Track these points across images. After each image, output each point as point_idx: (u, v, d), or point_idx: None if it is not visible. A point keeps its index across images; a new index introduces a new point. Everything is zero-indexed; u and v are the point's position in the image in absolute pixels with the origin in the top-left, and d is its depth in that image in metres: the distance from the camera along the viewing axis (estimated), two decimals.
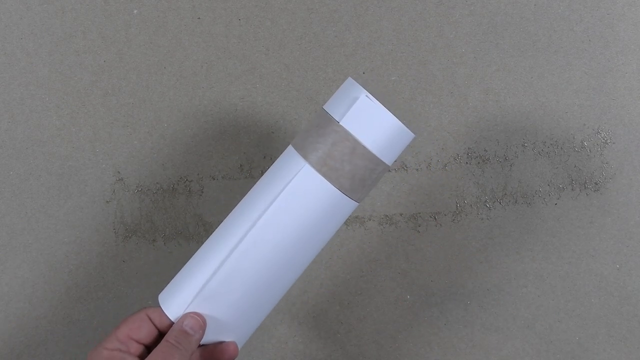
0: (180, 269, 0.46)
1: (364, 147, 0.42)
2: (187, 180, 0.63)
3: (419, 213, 0.63)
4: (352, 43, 0.64)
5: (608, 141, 0.64)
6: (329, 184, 0.43)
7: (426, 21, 0.65)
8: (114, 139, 0.64)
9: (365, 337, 0.63)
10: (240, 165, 0.64)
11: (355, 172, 0.43)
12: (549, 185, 0.64)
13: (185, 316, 0.43)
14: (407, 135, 0.44)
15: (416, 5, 0.65)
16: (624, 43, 0.65)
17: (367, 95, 0.42)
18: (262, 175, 0.46)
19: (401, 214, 0.63)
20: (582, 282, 0.63)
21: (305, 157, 0.43)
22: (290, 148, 0.45)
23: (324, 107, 0.45)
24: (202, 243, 0.62)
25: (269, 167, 0.63)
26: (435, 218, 0.63)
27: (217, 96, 0.64)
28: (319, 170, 0.42)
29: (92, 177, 0.63)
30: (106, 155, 0.64)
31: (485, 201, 0.64)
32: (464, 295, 0.63)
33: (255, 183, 0.46)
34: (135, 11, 0.65)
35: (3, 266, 0.63)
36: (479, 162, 0.64)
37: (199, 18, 0.64)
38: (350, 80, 0.44)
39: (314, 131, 0.43)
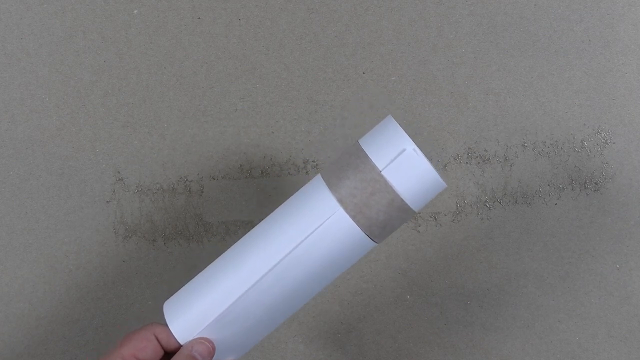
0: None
1: (402, 200, 0.41)
2: (187, 180, 0.63)
3: (419, 213, 0.63)
4: (352, 43, 0.64)
5: (608, 141, 0.64)
6: (360, 230, 0.42)
7: (426, 21, 0.65)
8: (114, 139, 0.64)
9: (365, 337, 0.63)
10: (240, 165, 0.64)
11: (388, 222, 0.42)
12: (549, 185, 0.64)
13: (195, 342, 0.42)
14: (441, 186, 0.43)
15: (416, 5, 0.65)
16: (624, 43, 0.65)
17: (414, 149, 0.41)
18: (287, 199, 0.45)
19: None
20: (582, 282, 0.63)
21: (340, 201, 0.42)
22: (321, 182, 0.43)
23: (360, 142, 0.43)
24: (202, 243, 0.63)
25: (270, 168, 0.64)
26: (435, 218, 0.63)
27: (217, 96, 0.64)
28: (352, 217, 0.42)
29: (92, 177, 0.63)
30: (106, 155, 0.64)
31: (485, 201, 0.64)
32: (464, 295, 0.63)
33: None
34: (135, 11, 0.65)
35: (3, 266, 0.63)
36: (479, 162, 0.64)
37: (199, 18, 0.65)
38: (391, 119, 0.43)
39: (351, 173, 0.42)
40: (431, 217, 0.63)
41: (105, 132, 0.64)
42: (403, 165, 0.41)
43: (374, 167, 0.41)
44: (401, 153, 0.41)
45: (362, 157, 0.42)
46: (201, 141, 0.64)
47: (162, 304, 0.45)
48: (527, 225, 0.63)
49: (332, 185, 0.43)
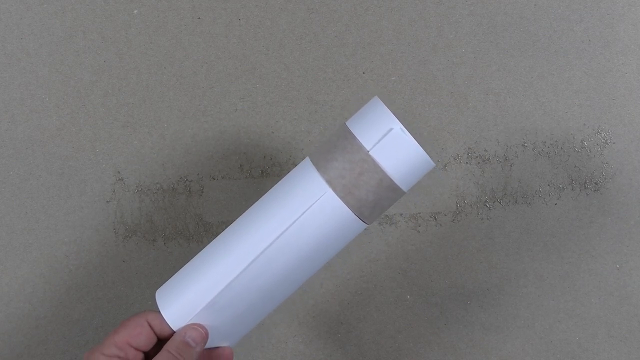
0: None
1: (390, 180, 0.42)
2: (187, 180, 0.64)
3: (419, 213, 0.63)
4: (352, 43, 0.64)
5: (608, 141, 0.64)
6: (350, 211, 0.42)
7: (426, 21, 0.65)
8: (114, 139, 0.64)
9: (365, 337, 0.63)
10: (240, 165, 0.64)
11: (377, 202, 0.42)
12: (549, 185, 0.64)
13: (188, 327, 0.42)
14: (429, 165, 0.43)
15: (416, 5, 0.65)
16: (624, 43, 0.65)
17: (401, 129, 0.41)
18: (276, 184, 0.45)
19: (401, 214, 0.63)
20: (582, 282, 0.63)
21: (329, 182, 0.42)
22: (309, 165, 0.44)
23: (347, 124, 0.43)
24: (202, 243, 0.63)
25: (270, 168, 0.64)
26: (435, 218, 0.63)
27: (217, 96, 0.64)
28: (342, 198, 0.42)
29: (92, 177, 0.63)
30: (106, 155, 0.64)
31: (485, 201, 0.64)
32: (464, 295, 0.63)
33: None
34: (135, 11, 0.65)
35: (3, 266, 0.63)
36: (479, 162, 0.64)
37: (199, 18, 0.65)
38: (378, 101, 0.43)
39: (339, 154, 0.42)
40: (431, 217, 0.63)
41: (105, 132, 0.64)
42: (390, 144, 0.41)
43: (361, 148, 0.42)
44: (388, 133, 0.41)
45: (349, 139, 0.42)
46: (201, 141, 0.64)
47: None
48: (527, 225, 0.63)
49: (320, 167, 0.43)
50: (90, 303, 0.63)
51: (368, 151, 0.41)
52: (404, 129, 0.42)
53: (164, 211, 0.63)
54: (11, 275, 0.63)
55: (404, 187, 0.43)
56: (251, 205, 0.46)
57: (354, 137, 0.42)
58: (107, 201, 0.63)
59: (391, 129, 0.41)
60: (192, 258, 0.46)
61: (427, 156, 0.42)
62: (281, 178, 0.61)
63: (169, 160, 0.64)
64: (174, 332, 0.43)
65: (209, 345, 0.43)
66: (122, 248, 0.63)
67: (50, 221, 0.63)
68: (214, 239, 0.62)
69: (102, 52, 0.64)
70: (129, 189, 0.63)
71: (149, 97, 0.64)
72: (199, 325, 0.42)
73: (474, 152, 0.64)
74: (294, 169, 0.45)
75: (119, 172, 0.63)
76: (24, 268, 0.63)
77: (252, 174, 0.63)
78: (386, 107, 0.43)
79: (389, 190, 0.42)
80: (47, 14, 0.64)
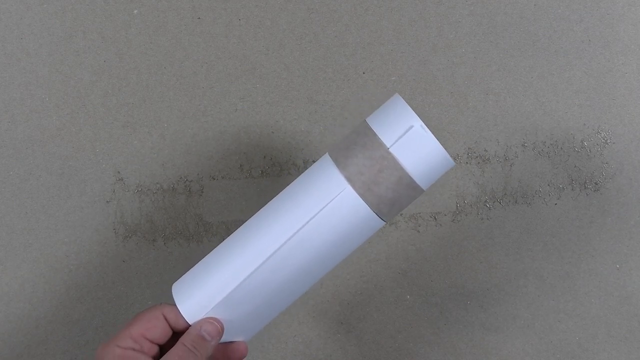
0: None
1: (410, 177, 0.41)
2: (187, 180, 0.64)
3: (419, 213, 0.63)
4: (352, 43, 0.64)
5: (608, 141, 0.64)
6: (368, 208, 0.42)
7: (426, 21, 0.65)
8: (114, 139, 0.64)
9: (365, 337, 0.63)
10: (240, 165, 0.64)
11: (396, 200, 0.42)
12: (549, 185, 0.64)
13: (204, 321, 0.42)
14: (449, 164, 0.43)
15: (416, 5, 0.65)
16: (624, 43, 0.65)
17: (422, 125, 0.41)
18: (295, 179, 0.45)
19: (401, 214, 0.63)
20: (582, 282, 0.63)
21: (348, 178, 0.42)
22: (329, 161, 0.43)
23: (367, 121, 0.43)
24: (202, 243, 0.63)
25: (270, 168, 0.64)
26: (435, 218, 0.63)
27: (217, 96, 0.64)
28: (361, 195, 0.42)
29: (92, 177, 0.63)
30: (106, 155, 0.64)
31: (485, 201, 0.64)
32: (464, 295, 0.63)
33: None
34: (135, 11, 0.65)
35: (3, 266, 0.63)
36: (479, 162, 0.64)
37: (199, 18, 0.65)
38: (399, 98, 0.43)
39: (359, 151, 0.42)
40: (431, 217, 0.63)
41: (105, 132, 0.64)
42: (411, 142, 0.41)
43: (381, 145, 0.41)
44: (409, 130, 0.41)
45: (370, 135, 0.42)
46: (201, 141, 0.64)
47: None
48: (527, 225, 0.63)
49: (340, 164, 0.42)
50: (90, 303, 0.63)
51: (388, 148, 0.41)
52: (424, 126, 0.41)
53: (164, 211, 0.63)
54: (11, 275, 0.63)
55: (423, 185, 0.42)
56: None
57: (374, 134, 0.42)
58: (107, 201, 0.63)
59: (412, 126, 0.41)
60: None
61: (447, 154, 0.42)
62: (281, 178, 0.61)
63: (169, 160, 0.64)
64: (190, 325, 0.43)
65: (224, 339, 0.44)
66: (122, 248, 0.63)
67: (50, 221, 0.63)
68: (213, 238, 0.63)
69: (102, 52, 0.64)
70: (129, 189, 0.63)
71: (149, 97, 0.64)
72: (215, 319, 0.43)
73: (474, 152, 0.64)
74: (313, 164, 0.45)
75: (119, 172, 0.63)
76: (24, 268, 0.63)
77: (252, 174, 0.63)
78: (407, 105, 0.42)
79: (408, 188, 0.42)
80: (47, 14, 0.64)
